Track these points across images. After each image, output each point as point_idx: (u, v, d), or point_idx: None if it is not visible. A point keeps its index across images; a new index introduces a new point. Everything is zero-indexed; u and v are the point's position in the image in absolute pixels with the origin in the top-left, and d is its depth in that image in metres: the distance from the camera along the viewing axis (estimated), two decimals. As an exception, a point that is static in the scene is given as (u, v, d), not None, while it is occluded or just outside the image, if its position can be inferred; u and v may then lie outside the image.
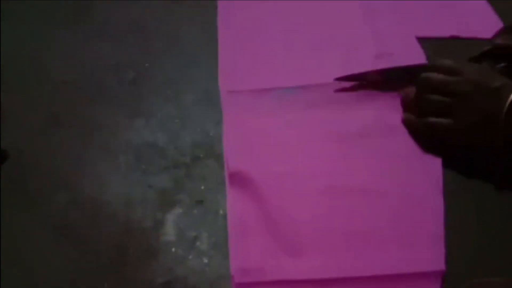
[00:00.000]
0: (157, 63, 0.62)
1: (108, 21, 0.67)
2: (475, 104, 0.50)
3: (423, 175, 0.51)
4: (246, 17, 0.68)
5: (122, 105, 0.57)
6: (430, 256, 0.45)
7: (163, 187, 0.50)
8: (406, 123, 0.55)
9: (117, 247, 0.46)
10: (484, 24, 0.65)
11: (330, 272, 0.44)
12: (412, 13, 0.68)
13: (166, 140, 0.54)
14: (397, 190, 0.51)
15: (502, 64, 0.57)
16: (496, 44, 0.58)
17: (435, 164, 0.52)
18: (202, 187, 0.50)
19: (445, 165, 0.51)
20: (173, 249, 0.45)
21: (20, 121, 0.55)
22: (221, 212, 0.48)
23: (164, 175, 0.51)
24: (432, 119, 0.52)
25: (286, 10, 0.69)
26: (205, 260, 0.45)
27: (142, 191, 0.50)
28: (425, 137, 0.54)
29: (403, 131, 0.55)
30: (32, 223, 0.47)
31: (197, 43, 0.65)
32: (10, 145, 0.53)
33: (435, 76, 0.53)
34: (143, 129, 0.55)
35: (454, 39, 0.65)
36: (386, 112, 0.57)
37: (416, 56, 0.62)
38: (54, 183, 0.50)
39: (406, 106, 0.56)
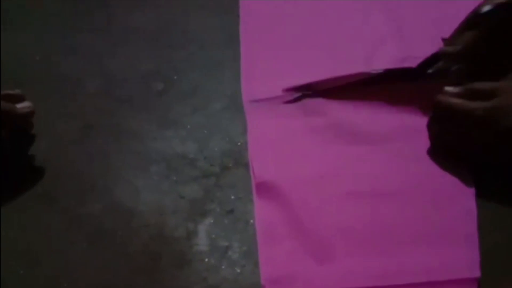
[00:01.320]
0: (184, 72, 0.63)
1: (130, 29, 0.68)
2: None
3: (453, 177, 0.51)
4: (267, 20, 0.68)
5: (152, 115, 0.58)
6: (465, 262, 0.44)
7: (194, 197, 0.51)
8: None
9: (151, 257, 0.47)
10: None
11: (361, 280, 0.44)
12: (437, 12, 0.68)
13: (195, 150, 0.55)
14: (426, 193, 0.50)
15: (457, 67, 0.56)
16: (442, 51, 0.57)
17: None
18: (232, 197, 0.51)
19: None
20: (206, 259, 0.46)
21: (52, 131, 0.57)
22: (251, 221, 0.49)
23: (194, 185, 0.52)
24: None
25: (307, 11, 0.69)
26: (238, 270, 0.45)
27: (174, 201, 0.51)
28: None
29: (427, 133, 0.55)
30: (66, 231, 0.49)
31: (221, 49, 0.65)
32: (43, 155, 0.55)
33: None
34: (173, 139, 0.56)
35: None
36: (411, 115, 0.57)
37: None
38: (86, 192, 0.52)
39: None
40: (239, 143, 0.55)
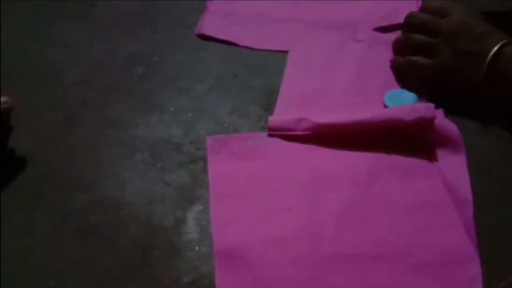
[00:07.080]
0: (165, 54, 0.61)
1: (112, 15, 0.66)
2: (458, 45, 0.50)
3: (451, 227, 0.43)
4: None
5: (134, 101, 0.56)
6: None
7: (181, 183, 0.49)
8: (392, 63, 0.55)
9: (141, 248, 0.45)
10: None
11: None
12: None
13: (181, 134, 0.52)
14: (417, 255, 0.42)
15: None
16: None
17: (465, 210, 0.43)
18: (221, 181, 0.49)
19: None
20: (197, 247, 0.44)
21: (34, 123, 0.55)
22: (242, 204, 0.47)
23: (181, 171, 0.50)
24: (413, 58, 0.52)
25: None
26: (230, 256, 0.44)
27: (161, 189, 0.48)
28: (406, 75, 0.53)
29: (417, 174, 0.46)
30: (54, 226, 0.47)
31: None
32: (26, 148, 0.52)
33: (421, 15, 0.54)
34: (157, 124, 0.54)
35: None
36: (387, 160, 0.48)
37: None
38: (72, 185, 0.49)
39: (396, 48, 0.56)
40: (226, 125, 0.53)
